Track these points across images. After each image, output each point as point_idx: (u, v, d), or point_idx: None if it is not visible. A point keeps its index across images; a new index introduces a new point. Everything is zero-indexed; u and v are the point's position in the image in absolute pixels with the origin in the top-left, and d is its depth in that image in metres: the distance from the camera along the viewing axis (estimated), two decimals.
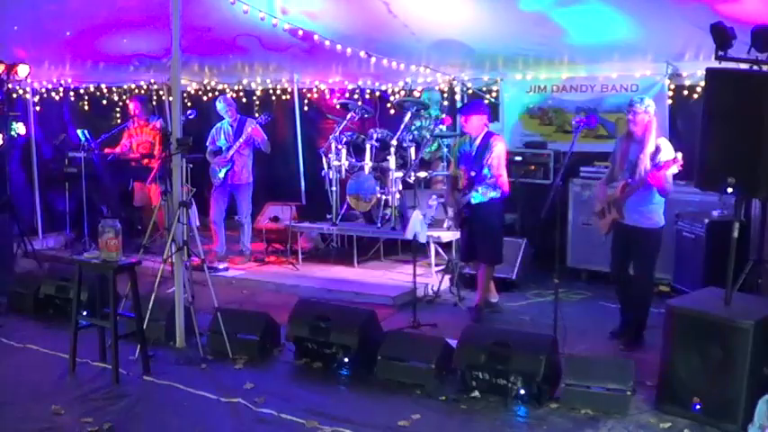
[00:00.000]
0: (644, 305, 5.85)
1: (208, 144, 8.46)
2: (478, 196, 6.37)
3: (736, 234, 4.64)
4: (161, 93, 10.37)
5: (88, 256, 5.57)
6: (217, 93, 10.25)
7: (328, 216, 8.55)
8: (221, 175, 8.31)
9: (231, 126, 8.40)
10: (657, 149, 5.51)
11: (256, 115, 9.28)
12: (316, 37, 7.72)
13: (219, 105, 8.45)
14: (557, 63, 8.00)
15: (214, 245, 8.47)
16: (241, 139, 8.26)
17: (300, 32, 7.64)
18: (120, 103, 10.82)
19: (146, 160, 8.95)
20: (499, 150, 6.43)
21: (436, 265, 7.85)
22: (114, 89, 10.80)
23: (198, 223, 7.16)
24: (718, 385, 4.38)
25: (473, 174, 6.42)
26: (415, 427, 4.55)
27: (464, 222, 6.58)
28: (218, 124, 8.49)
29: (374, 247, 8.79)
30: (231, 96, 9.69)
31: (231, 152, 8.24)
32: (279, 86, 10.16)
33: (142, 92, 10.38)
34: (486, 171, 6.38)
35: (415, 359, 5.21)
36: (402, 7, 7.07)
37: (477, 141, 6.49)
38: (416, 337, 5.79)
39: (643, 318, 5.86)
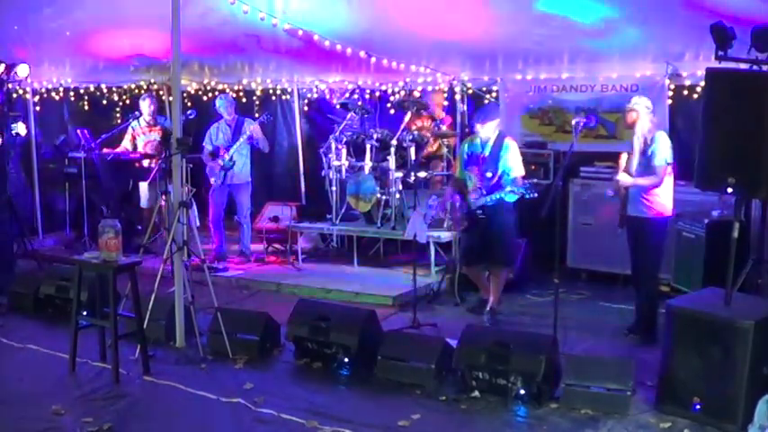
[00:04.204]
0: (649, 300, 5.85)
1: (205, 144, 8.43)
2: (511, 195, 6.19)
3: (736, 234, 4.64)
4: (161, 93, 10.36)
5: (88, 256, 5.57)
6: (217, 93, 10.21)
7: (328, 216, 8.54)
8: (221, 175, 8.30)
9: (229, 126, 8.38)
10: (650, 141, 5.67)
11: (256, 115, 9.28)
12: (316, 37, 7.73)
13: (219, 102, 8.41)
14: (557, 63, 8.00)
15: (213, 245, 8.47)
16: (241, 140, 8.24)
17: (300, 32, 7.64)
18: (121, 103, 10.80)
19: (146, 160, 8.91)
20: (515, 150, 6.40)
21: (436, 265, 7.85)
22: (114, 89, 10.76)
23: (198, 223, 7.16)
24: (718, 385, 4.38)
25: (489, 174, 6.33)
26: (415, 427, 4.55)
27: (475, 224, 6.40)
28: (216, 124, 8.47)
29: (374, 247, 8.80)
30: (231, 96, 9.68)
31: (231, 152, 8.23)
32: (279, 86, 10.15)
33: (143, 91, 10.36)
34: (505, 170, 6.31)
35: (415, 359, 5.21)
36: (402, 7, 7.07)
37: (491, 142, 6.40)
38: (416, 337, 5.78)
39: (651, 314, 5.87)
